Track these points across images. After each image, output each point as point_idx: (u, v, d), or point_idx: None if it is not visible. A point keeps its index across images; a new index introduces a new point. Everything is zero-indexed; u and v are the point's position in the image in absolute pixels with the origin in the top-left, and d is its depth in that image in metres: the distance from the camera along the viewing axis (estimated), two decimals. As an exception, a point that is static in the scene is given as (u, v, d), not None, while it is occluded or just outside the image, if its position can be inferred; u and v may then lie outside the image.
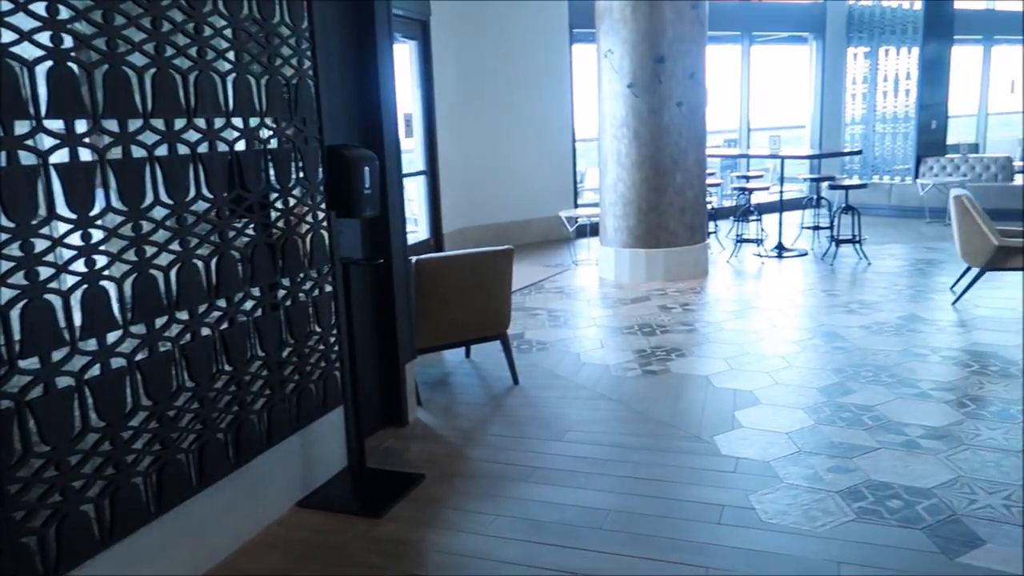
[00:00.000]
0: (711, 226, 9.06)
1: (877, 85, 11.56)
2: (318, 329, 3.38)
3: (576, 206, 10.24)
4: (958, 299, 5.98)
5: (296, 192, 3.24)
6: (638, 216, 7.29)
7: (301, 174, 3.21)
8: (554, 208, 9.59)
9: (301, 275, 3.26)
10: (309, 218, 3.29)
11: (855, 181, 8.91)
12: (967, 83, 14.03)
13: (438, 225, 9.05)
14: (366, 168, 3.15)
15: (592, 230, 8.44)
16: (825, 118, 12.19)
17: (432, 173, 8.90)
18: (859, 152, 10.60)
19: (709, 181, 8.93)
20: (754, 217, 8.39)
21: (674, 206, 7.25)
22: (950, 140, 12.06)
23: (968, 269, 6.21)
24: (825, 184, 8.97)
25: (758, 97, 12.01)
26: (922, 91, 11.01)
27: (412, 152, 9.07)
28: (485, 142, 9.59)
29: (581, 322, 6.04)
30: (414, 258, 4.31)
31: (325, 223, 3.37)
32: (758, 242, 8.34)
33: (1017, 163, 11.12)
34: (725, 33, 11.38)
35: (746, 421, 3.90)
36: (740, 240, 8.36)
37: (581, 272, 7.95)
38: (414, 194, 9.17)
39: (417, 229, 9.40)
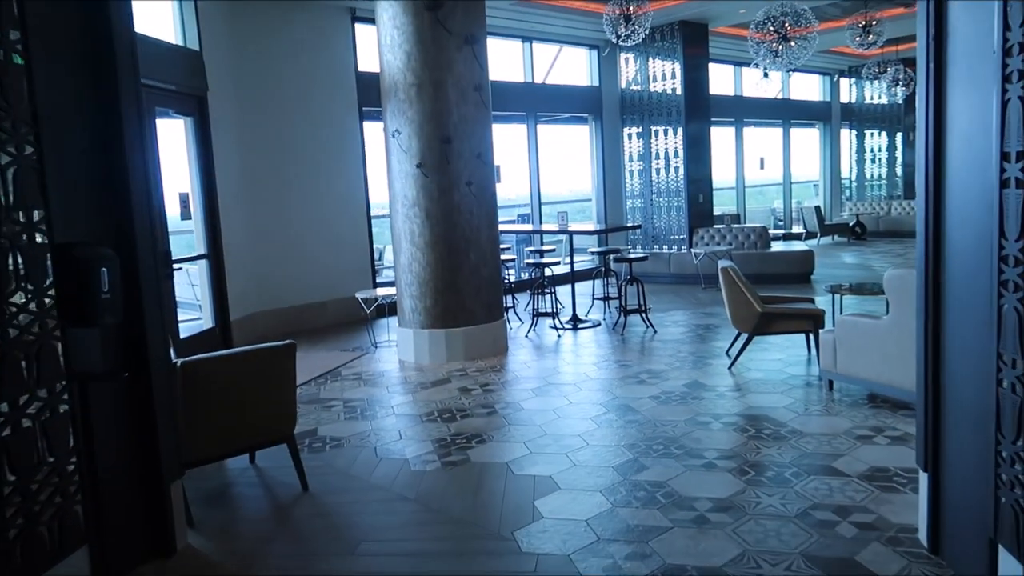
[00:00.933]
0: (509, 301, 9.19)
1: (651, 162, 12.54)
2: (51, 459, 2.85)
3: (375, 285, 10.01)
4: (733, 363, 6.40)
5: (18, 298, 2.75)
6: (435, 296, 7.20)
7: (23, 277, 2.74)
8: (352, 288, 9.28)
9: (25, 396, 2.75)
10: (36, 328, 2.81)
11: (638, 253, 9.45)
12: (725, 159, 15.66)
13: (224, 312, 8.41)
14: (103, 269, 2.74)
15: (392, 309, 8.23)
16: (608, 192, 12.99)
17: (215, 256, 8.29)
18: (639, 227, 11.35)
19: (504, 257, 9.10)
20: (549, 290, 8.61)
21: (470, 284, 7.24)
22: (716, 211, 13.30)
23: (739, 334, 6.69)
24: (611, 257, 9.44)
25: (547, 173, 12.57)
26: (689, 167, 12.07)
27: (192, 234, 8.44)
28: (275, 222, 9.14)
29: (379, 411, 5.75)
30: (180, 361, 3.85)
31: (58, 333, 2.89)
32: (554, 315, 8.54)
33: (771, 231, 12.44)
34: (511, 113, 11.86)
35: (546, 510, 3.80)
36: (537, 314, 8.52)
37: (381, 355, 7.68)
38: (197, 279, 8.48)
39: (201, 316, 8.70)
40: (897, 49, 15.41)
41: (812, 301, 6.71)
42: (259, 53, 8.91)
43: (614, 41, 9.56)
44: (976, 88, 2.64)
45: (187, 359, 3.88)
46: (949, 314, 2.97)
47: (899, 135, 19.09)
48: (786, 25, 8.92)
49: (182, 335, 7.88)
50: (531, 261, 8.87)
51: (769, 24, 8.97)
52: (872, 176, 19.13)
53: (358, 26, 9.72)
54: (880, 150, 19.06)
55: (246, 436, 4.17)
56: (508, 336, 7.99)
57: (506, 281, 9.47)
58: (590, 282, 10.88)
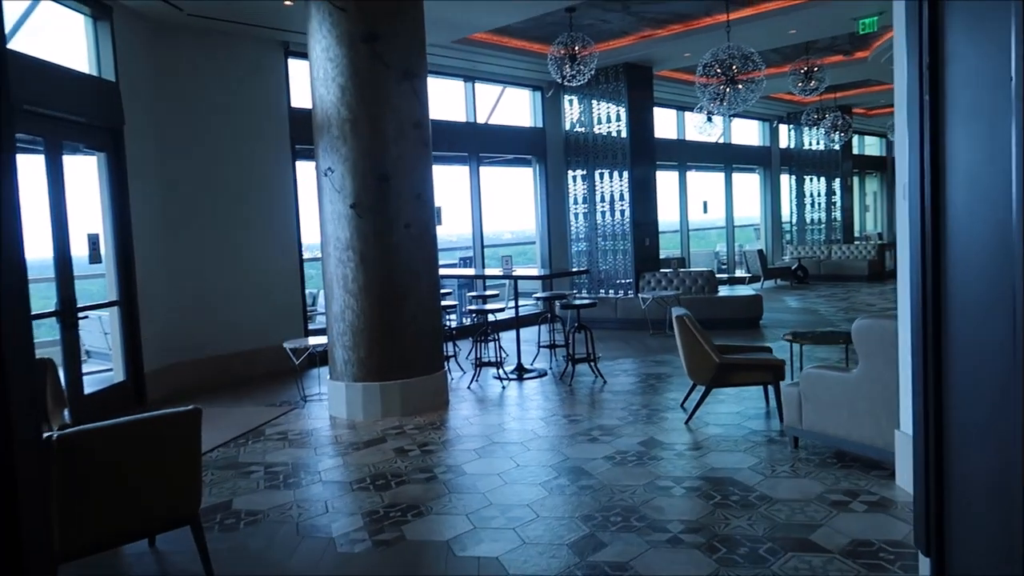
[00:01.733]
0: (450, 349, 8.68)
1: (596, 205, 12.29)
2: None
3: (308, 333, 9.37)
4: (690, 417, 6.00)
5: None
6: (369, 346, 6.65)
7: None
8: (282, 336, 8.64)
9: None
10: None
11: (584, 298, 9.09)
12: (669, 202, 15.59)
13: (137, 363, 7.68)
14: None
15: (324, 359, 7.63)
16: (552, 235, 12.67)
17: (127, 302, 7.60)
18: (586, 272, 10.99)
19: (445, 303, 8.61)
20: (492, 338, 8.13)
21: (408, 333, 6.72)
22: (661, 254, 13.10)
23: (694, 386, 6.33)
24: (558, 303, 9.05)
25: (490, 215, 12.19)
26: (635, 210, 11.84)
27: (103, 278, 7.73)
28: (199, 265, 8.48)
29: (304, 478, 5.14)
30: (56, 433, 3.23)
31: None
32: (498, 364, 8.06)
33: (716, 275, 12.26)
34: (453, 154, 11.49)
35: (493, 603, 3.28)
36: (480, 364, 8.02)
37: (311, 411, 7.05)
38: (109, 327, 7.73)
39: (111, 368, 7.95)
40: (836, 96, 15.69)
41: (769, 350, 6.39)
42: (183, 86, 8.34)
43: (559, 82, 9.32)
44: (981, 120, 2.32)
45: (65, 432, 3.26)
46: (953, 373, 2.60)
47: (837, 180, 19.42)
48: (733, 68, 8.80)
49: (89, 389, 7.14)
50: (474, 308, 8.39)
51: (716, 67, 8.84)
52: (811, 220, 19.36)
53: (292, 61, 9.25)
54: (819, 195, 19.34)
55: (140, 520, 3.54)
56: (449, 388, 7.47)
57: (447, 328, 8.98)
58: (535, 328, 10.45)
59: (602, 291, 12.20)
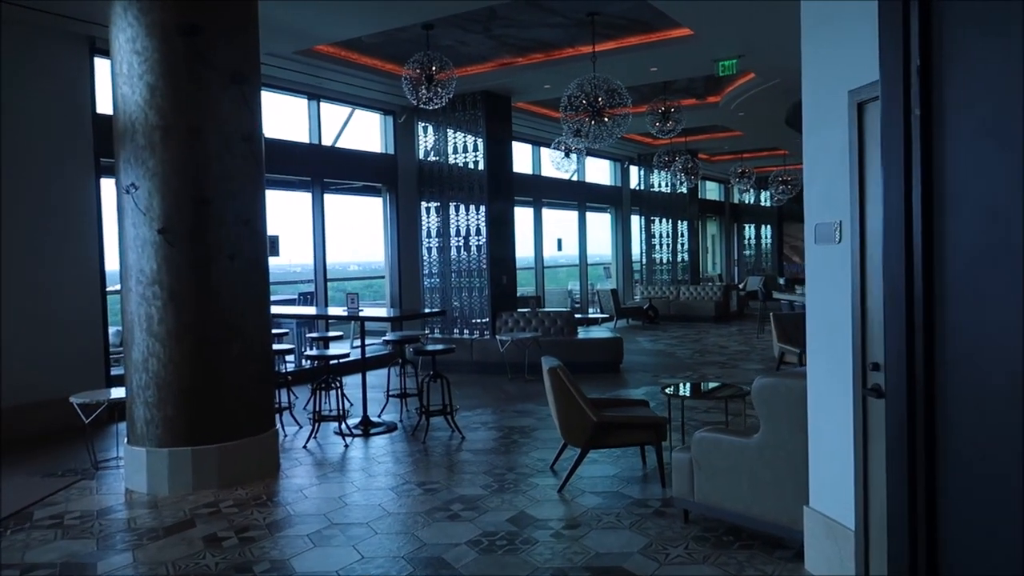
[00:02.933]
0: (285, 398, 7.52)
1: (450, 239, 11.53)
2: None
3: (110, 381, 7.85)
4: (564, 484, 5.25)
5: None
6: (179, 403, 5.42)
7: None
8: (77, 384, 7.12)
9: None
10: None
11: (437, 342, 8.23)
12: (523, 239, 15.12)
13: None
14: None
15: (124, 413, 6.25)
16: (403, 270, 11.74)
17: None
18: (442, 313, 10.11)
19: (279, 346, 7.47)
20: (334, 385, 7.05)
21: (230, 385, 5.56)
22: (516, 292, 12.51)
23: (564, 445, 5.62)
24: (409, 346, 8.13)
25: (336, 245, 11.11)
26: (491, 246, 11.18)
27: None
28: (-40, 299, 6.84)
29: (75, 587, 3.89)
30: None
31: None
32: (340, 419, 6.99)
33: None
34: (294, 178, 10.36)
35: None
36: (319, 418, 6.92)
37: (104, 483, 5.68)
38: None
39: None
40: (685, 140, 15.94)
41: (646, 404, 5.81)
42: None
43: (414, 104, 8.51)
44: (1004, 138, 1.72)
45: None
46: (944, 456, 1.97)
47: (683, 222, 19.86)
48: (599, 100, 8.37)
49: None
50: (313, 353, 7.27)
51: (583, 98, 8.37)
52: (659, 261, 19.63)
53: (100, 61, 7.85)
54: (666, 236, 19.67)
55: None
56: (281, 449, 6.32)
57: (282, 373, 7.81)
58: (383, 371, 9.44)
59: (456, 331, 11.39)
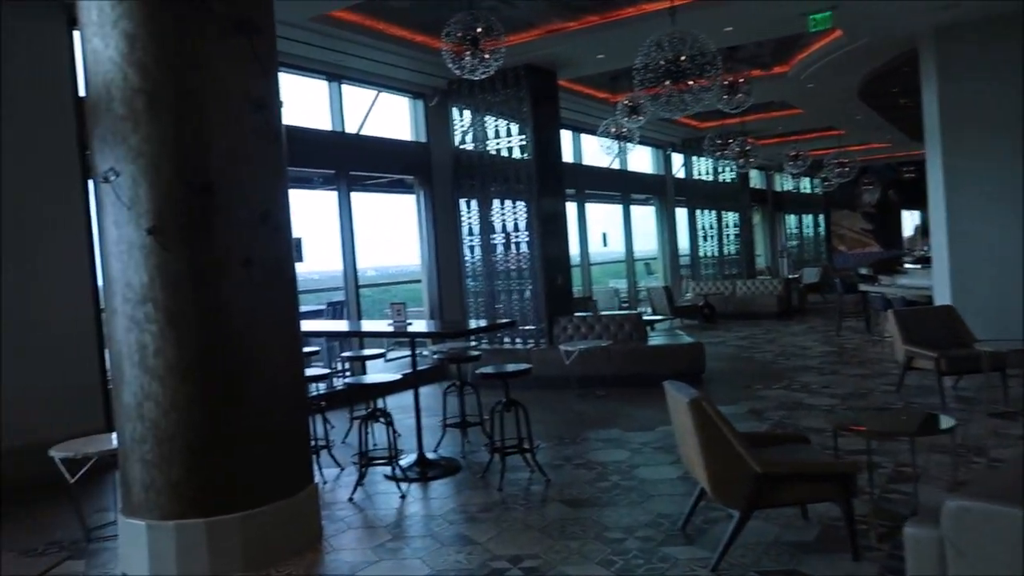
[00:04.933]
0: (319, 429, 6.13)
1: (492, 237, 10.11)
2: None
3: (109, 421, 6.49)
4: (719, 561, 3.79)
5: None
6: (186, 461, 4.05)
7: None
8: (65, 425, 5.76)
9: None
10: None
11: (491, 364, 6.78)
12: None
13: None
14: None
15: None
16: (443, 273, 10.33)
17: None
18: (511, 324, 8.47)
19: (311, 372, 6.09)
20: (382, 419, 5.63)
21: (252, 436, 4.17)
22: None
23: (701, 496, 4.18)
24: (463, 365, 6.72)
25: (367, 247, 9.73)
26: (543, 243, 9.75)
27: None
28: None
29: None
30: None
31: None
32: (392, 459, 5.58)
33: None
34: (315, 171, 9.00)
35: None
36: (366, 462, 5.51)
37: (98, 562, 4.34)
38: None
39: None
40: (742, 121, 14.41)
41: (806, 440, 4.36)
42: None
43: (457, 73, 7.11)
44: None
45: None
46: None
47: (733, 213, 18.33)
48: (681, 60, 6.90)
49: None
50: (353, 380, 5.83)
51: (663, 58, 6.89)
52: (704, 255, 18.09)
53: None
54: (710, 227, 18.11)
55: None
56: (322, 503, 4.92)
57: (314, 398, 6.42)
58: (426, 389, 8.05)
59: (507, 340, 9.98)
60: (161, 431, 4.05)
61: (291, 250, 4.51)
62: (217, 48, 4.09)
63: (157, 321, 4.00)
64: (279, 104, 4.50)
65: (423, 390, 7.99)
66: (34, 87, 6.19)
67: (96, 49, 4.01)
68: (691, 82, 7.01)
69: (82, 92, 6.33)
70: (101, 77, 4.01)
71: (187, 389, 4.02)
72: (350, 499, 5.26)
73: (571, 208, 13.90)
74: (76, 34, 6.36)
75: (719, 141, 14.05)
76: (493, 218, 10.14)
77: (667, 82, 6.97)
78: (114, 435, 4.48)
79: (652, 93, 7.29)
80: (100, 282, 6.34)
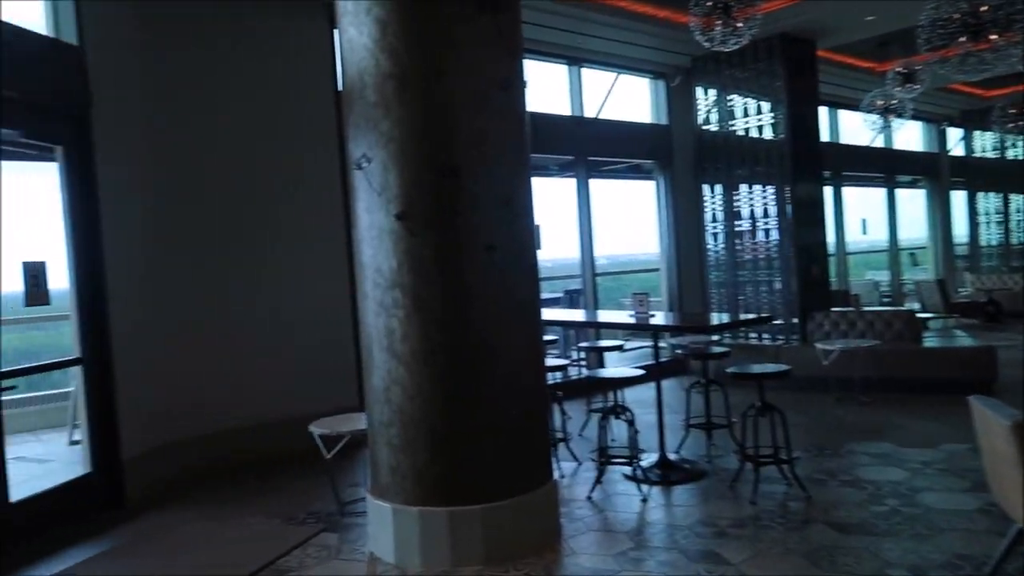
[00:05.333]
0: (557, 420, 5.96)
1: (736, 224, 9.39)
2: None
3: (361, 399, 6.85)
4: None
5: None
6: (429, 447, 4.02)
7: None
8: (321, 401, 6.17)
9: None
10: None
11: (770, 364, 6.17)
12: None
13: (112, 445, 5.33)
14: None
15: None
16: (682, 261, 9.80)
17: (97, 361, 5.28)
18: (769, 319, 7.77)
19: (549, 362, 5.92)
20: (623, 415, 5.33)
21: (493, 427, 4.06)
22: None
23: (1019, 536, 3.38)
24: (711, 362, 6.20)
25: (603, 235, 9.47)
26: (796, 230, 8.87)
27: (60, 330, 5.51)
28: (203, 302, 6.15)
29: None
30: None
31: None
32: (632, 459, 5.26)
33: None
34: (553, 156, 8.89)
35: None
36: (606, 460, 5.24)
37: (350, 538, 4.50)
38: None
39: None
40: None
41: None
42: (183, 59, 6.07)
43: (707, 46, 6.58)
44: None
45: None
46: None
47: (1021, 196, 15.67)
48: (981, 9, 5.80)
49: (26, 493, 4.83)
50: (593, 373, 5.57)
51: (957, 10, 5.83)
52: (988, 244, 15.64)
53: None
54: (994, 213, 15.60)
55: None
56: (561, 503, 4.72)
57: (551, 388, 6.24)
58: (666, 384, 7.59)
59: (753, 336, 9.24)
60: (406, 416, 4.06)
61: (533, 235, 4.33)
62: (463, 28, 3.99)
63: (404, 307, 4.00)
64: (523, 84, 4.33)
65: (652, 384, 7.56)
66: (299, 83, 6.63)
67: (351, 38, 4.08)
68: (994, 36, 5.88)
69: (340, 86, 6.72)
70: (355, 65, 4.08)
71: (430, 375, 3.99)
72: (588, 497, 5.02)
73: (826, 192, 12.65)
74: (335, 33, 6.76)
75: (1012, 111, 12.03)
76: (739, 204, 9.42)
77: (962, 39, 5.91)
78: (364, 415, 4.61)
79: (942, 56, 6.23)
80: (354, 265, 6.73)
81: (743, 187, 9.35)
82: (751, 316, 7.58)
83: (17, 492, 4.66)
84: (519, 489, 4.11)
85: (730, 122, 9.45)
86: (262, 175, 6.40)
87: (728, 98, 9.51)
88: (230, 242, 6.27)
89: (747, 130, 9.30)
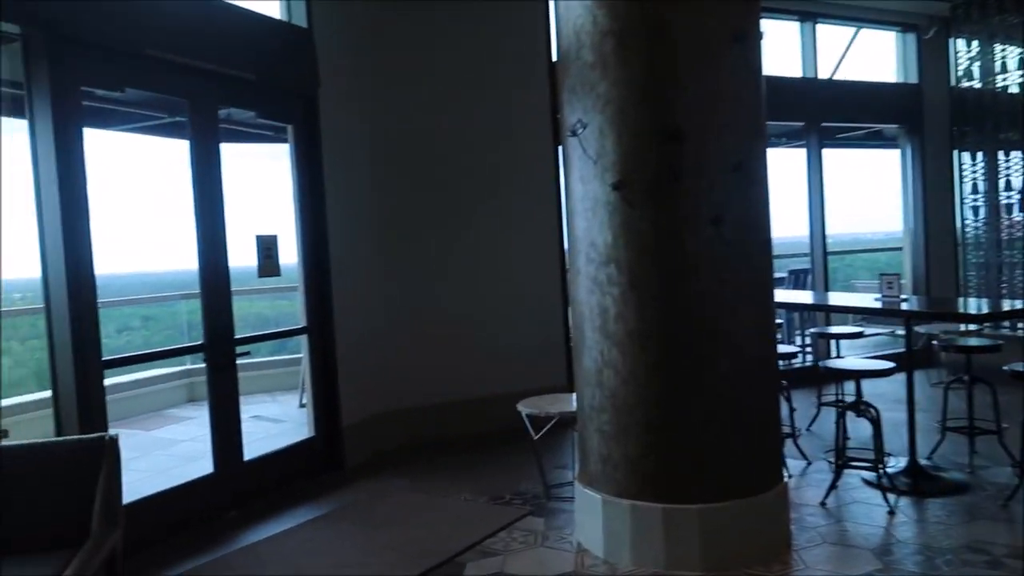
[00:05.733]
0: (784, 412, 5.37)
1: (996, 197, 8.03)
2: None
3: (570, 378, 6.68)
4: None
5: None
6: (643, 436, 3.70)
7: None
8: (530, 378, 6.09)
9: None
10: None
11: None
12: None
13: (333, 412, 5.58)
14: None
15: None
16: (931, 238, 8.58)
17: (321, 330, 5.54)
18: None
19: (780, 349, 5.32)
20: (867, 412, 4.66)
21: (717, 417, 3.65)
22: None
23: None
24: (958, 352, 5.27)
25: (834, 212, 8.53)
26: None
27: (288, 300, 5.81)
28: (421, 276, 6.26)
29: None
30: None
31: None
32: (875, 465, 4.58)
33: None
34: (782, 124, 8.09)
35: None
36: (844, 463, 4.62)
37: (555, 524, 4.33)
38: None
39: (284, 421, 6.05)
40: None
41: None
42: (402, 36, 6.15)
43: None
44: None
45: None
46: None
47: None
48: None
49: (261, 451, 5.17)
50: (835, 366, 4.90)
51: None
52: None
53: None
54: None
55: None
56: (791, 510, 4.21)
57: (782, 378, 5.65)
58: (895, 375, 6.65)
59: (1005, 327, 7.90)
60: (619, 401, 3.76)
61: (767, 206, 3.83)
62: (689, -25, 3.57)
63: (619, 284, 3.69)
64: (759, 35, 3.82)
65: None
66: (514, 56, 6.50)
67: (566, -5, 3.80)
68: None
69: (554, 58, 6.51)
70: (571, 25, 3.80)
71: (647, 359, 3.66)
72: (822, 503, 4.45)
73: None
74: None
75: None
76: (1007, 173, 8.05)
77: None
78: (574, 396, 4.38)
79: None
80: (564, 243, 6.54)
81: (1015, 154, 7.95)
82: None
83: (251, 449, 5.00)
84: (744, 490, 3.68)
85: (999, 77, 8.06)
86: (477, 154, 6.37)
87: (997, 50, 8.12)
88: (446, 219, 6.31)
89: (1022, 85, 7.89)
